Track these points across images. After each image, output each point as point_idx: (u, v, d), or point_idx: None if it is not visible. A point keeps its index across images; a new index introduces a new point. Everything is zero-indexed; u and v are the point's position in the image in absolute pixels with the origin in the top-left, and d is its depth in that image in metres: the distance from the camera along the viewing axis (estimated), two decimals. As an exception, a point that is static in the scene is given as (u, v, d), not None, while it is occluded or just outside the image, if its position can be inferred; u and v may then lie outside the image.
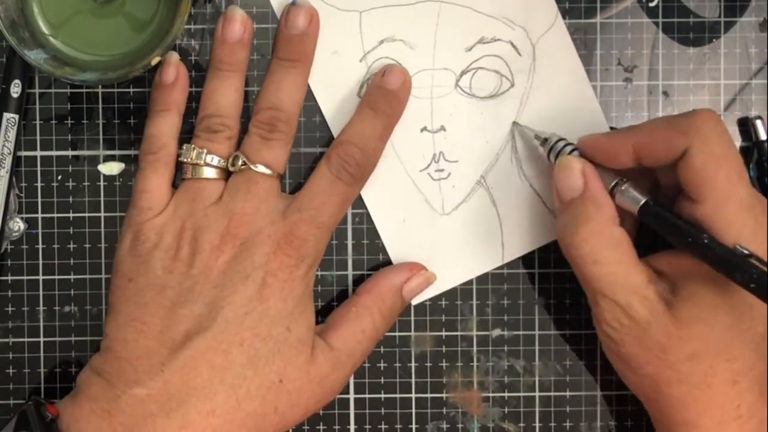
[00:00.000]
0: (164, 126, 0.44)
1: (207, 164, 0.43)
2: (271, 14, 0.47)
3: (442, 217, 0.47)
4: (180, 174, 0.45)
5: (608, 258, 0.40)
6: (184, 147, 0.44)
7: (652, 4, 0.47)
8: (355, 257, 0.47)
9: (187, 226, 0.43)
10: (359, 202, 0.47)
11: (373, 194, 0.47)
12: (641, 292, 0.40)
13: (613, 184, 0.42)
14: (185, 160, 0.44)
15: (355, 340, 0.44)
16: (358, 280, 0.47)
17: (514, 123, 0.47)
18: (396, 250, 0.47)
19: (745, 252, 0.38)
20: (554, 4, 0.47)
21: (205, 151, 0.43)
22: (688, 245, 0.39)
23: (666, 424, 0.41)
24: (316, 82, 0.46)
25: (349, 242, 0.47)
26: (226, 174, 0.44)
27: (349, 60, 0.47)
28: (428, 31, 0.46)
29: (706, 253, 0.38)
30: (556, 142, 0.44)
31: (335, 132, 0.47)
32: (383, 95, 0.45)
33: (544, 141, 0.45)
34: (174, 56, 0.45)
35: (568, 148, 0.44)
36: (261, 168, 0.43)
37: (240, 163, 0.43)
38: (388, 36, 0.47)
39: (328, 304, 0.47)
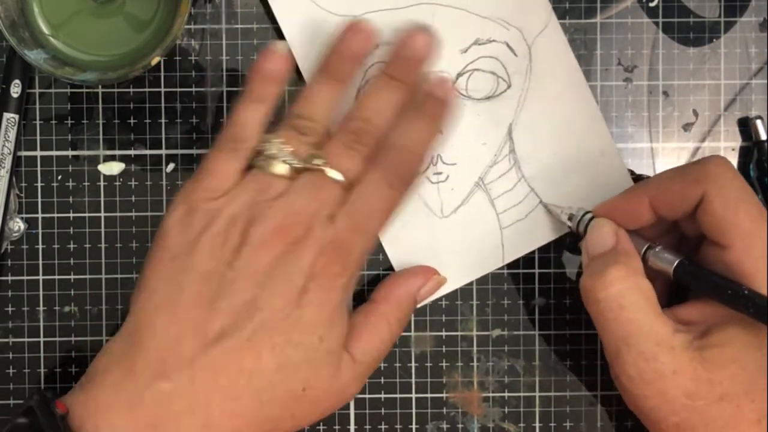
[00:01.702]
0: (254, 116, 0.43)
1: (283, 161, 0.42)
2: (270, 14, 0.47)
3: (442, 220, 0.47)
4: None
5: (635, 304, 0.40)
6: (267, 140, 0.43)
7: (652, 4, 0.47)
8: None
9: (243, 216, 0.41)
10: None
11: None
12: (668, 342, 0.40)
13: (645, 248, 0.42)
14: (264, 151, 0.42)
15: (377, 351, 0.44)
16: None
17: (541, 202, 0.47)
18: (397, 256, 0.47)
19: None
20: (548, 4, 0.47)
21: (285, 149, 0.42)
22: (728, 298, 0.39)
23: None
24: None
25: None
26: (296, 173, 0.43)
27: None
28: None
29: (747, 304, 0.38)
30: (583, 215, 0.44)
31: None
32: (440, 105, 0.44)
33: (571, 216, 0.45)
34: (282, 45, 0.44)
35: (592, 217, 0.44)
36: (334, 173, 0.42)
37: (317, 162, 0.42)
38: (384, 39, 0.47)
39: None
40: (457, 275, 0.47)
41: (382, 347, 0.44)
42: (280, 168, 0.42)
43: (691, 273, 0.41)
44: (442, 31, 0.46)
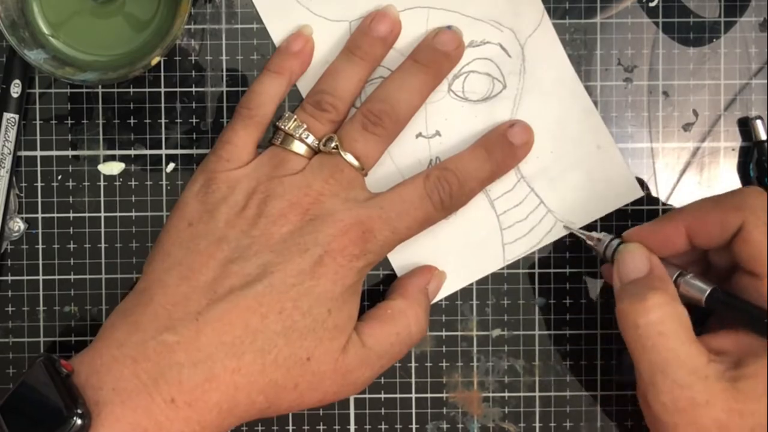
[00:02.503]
0: (270, 87, 0.44)
1: (300, 139, 0.43)
2: (271, 14, 0.47)
3: (442, 223, 0.47)
4: (269, 136, 0.45)
5: (674, 331, 0.40)
6: (286, 114, 0.44)
7: (652, 4, 0.47)
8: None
9: (261, 189, 0.43)
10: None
11: None
12: (702, 371, 0.39)
13: (676, 274, 0.42)
14: (282, 126, 0.44)
15: (388, 342, 0.44)
16: None
17: (565, 226, 0.47)
18: (398, 259, 0.47)
19: None
20: (540, 4, 0.47)
21: (305, 126, 0.43)
22: (763, 329, 0.39)
23: None
24: (306, 90, 0.46)
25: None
26: (315, 153, 0.44)
27: None
28: (418, 37, 0.46)
29: None
30: (610, 240, 0.44)
31: None
32: (502, 145, 0.45)
33: (598, 241, 0.45)
34: (308, 29, 0.45)
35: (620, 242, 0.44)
36: (349, 157, 0.43)
37: (332, 145, 0.43)
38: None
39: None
40: (458, 277, 0.47)
41: (395, 340, 0.44)
42: (297, 146, 0.43)
43: (724, 301, 0.41)
44: None
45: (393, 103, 0.44)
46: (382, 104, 0.44)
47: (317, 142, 0.43)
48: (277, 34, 0.47)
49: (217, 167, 0.43)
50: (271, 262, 0.41)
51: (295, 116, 0.44)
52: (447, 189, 0.44)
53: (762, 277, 0.40)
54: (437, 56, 0.45)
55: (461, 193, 0.44)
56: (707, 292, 0.41)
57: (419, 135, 0.47)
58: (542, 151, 0.47)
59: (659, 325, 0.39)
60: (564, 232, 0.47)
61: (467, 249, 0.47)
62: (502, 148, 0.45)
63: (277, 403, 0.41)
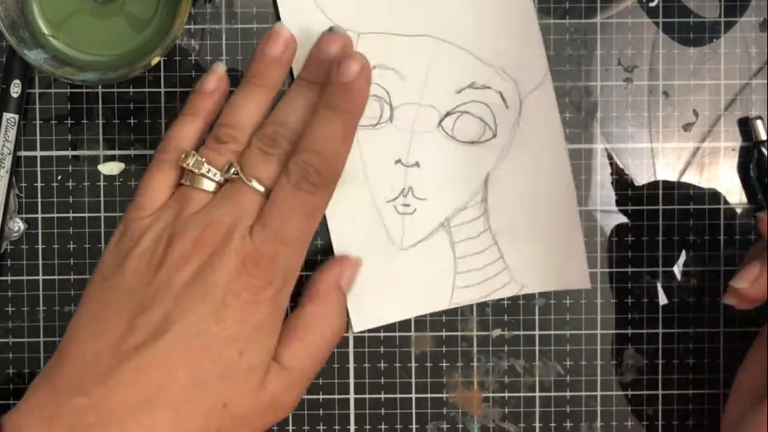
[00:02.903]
0: (187, 130, 0.44)
1: (204, 175, 0.43)
2: (271, 14, 0.47)
3: (399, 251, 0.47)
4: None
5: None
6: (186, 152, 0.43)
7: (652, 4, 0.47)
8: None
9: (167, 232, 0.42)
10: (323, 232, 0.47)
11: (336, 215, 0.47)
12: None
13: None
14: (183, 164, 0.43)
15: (308, 357, 0.43)
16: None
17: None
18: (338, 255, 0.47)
19: None
20: (545, 63, 0.46)
21: (204, 160, 0.43)
22: None
23: None
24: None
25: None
26: (220, 187, 0.43)
27: None
28: (421, 65, 0.46)
29: None
30: None
31: None
32: (340, 91, 0.43)
33: None
34: (220, 67, 0.45)
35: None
36: (253, 183, 0.42)
37: (233, 171, 0.42)
38: (381, 63, 0.46)
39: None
40: (402, 307, 0.47)
41: (315, 352, 0.43)
42: (205, 183, 0.43)
43: None
44: (441, 68, 0.46)
45: (283, 123, 0.43)
46: (274, 126, 0.43)
47: (220, 176, 0.43)
48: (285, 12, 0.46)
49: (132, 216, 0.43)
50: (172, 312, 0.40)
51: (194, 153, 0.43)
52: (311, 169, 0.42)
53: None
54: (323, 68, 0.44)
55: (327, 163, 0.42)
56: None
57: (398, 161, 0.47)
58: (515, 208, 0.47)
59: None
60: (515, 292, 0.47)
61: (417, 282, 0.47)
62: (341, 96, 0.43)
63: None
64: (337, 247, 0.47)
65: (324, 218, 0.47)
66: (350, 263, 0.46)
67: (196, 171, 0.43)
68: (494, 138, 0.47)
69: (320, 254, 0.47)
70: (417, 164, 0.47)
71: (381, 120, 0.47)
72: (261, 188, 0.42)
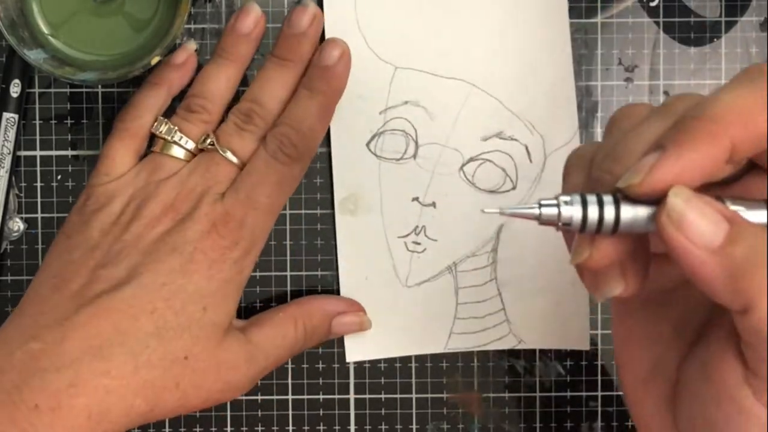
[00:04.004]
0: (147, 98, 0.44)
1: (175, 142, 0.43)
2: (271, 14, 0.47)
3: (403, 289, 0.47)
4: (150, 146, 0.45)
5: None
6: (158, 120, 0.44)
7: (653, 4, 0.47)
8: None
9: (137, 195, 0.43)
10: (325, 232, 0.47)
11: (347, 241, 0.47)
12: None
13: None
14: (155, 132, 0.44)
15: (275, 344, 0.44)
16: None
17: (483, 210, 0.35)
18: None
19: None
20: (576, 123, 0.46)
21: (176, 128, 0.44)
22: None
23: None
24: (334, 119, 0.46)
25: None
26: (192, 155, 0.44)
27: (370, 108, 0.47)
28: (453, 108, 0.46)
29: None
30: (582, 196, 0.28)
31: (336, 170, 0.47)
32: (319, 73, 0.44)
33: (566, 204, 0.28)
34: (191, 44, 0.45)
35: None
36: (228, 153, 0.43)
37: (209, 142, 0.43)
38: (414, 99, 0.46)
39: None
40: (397, 345, 0.47)
41: (281, 343, 0.44)
42: (176, 151, 0.44)
43: None
44: (471, 113, 0.46)
45: (260, 101, 0.44)
46: (250, 104, 0.44)
47: (194, 144, 0.44)
48: (328, 33, 0.46)
49: (96, 182, 0.43)
50: (140, 263, 0.41)
51: (167, 120, 0.44)
52: (287, 141, 0.43)
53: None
54: (293, 43, 0.45)
55: (303, 138, 0.44)
56: None
57: (415, 199, 0.47)
58: (524, 262, 0.47)
59: None
60: (512, 345, 0.47)
61: (416, 322, 0.47)
62: (320, 78, 0.44)
63: (160, 405, 0.41)
64: (342, 275, 0.47)
65: (333, 237, 0.47)
66: (358, 314, 0.46)
67: (168, 138, 0.44)
68: (513, 190, 0.47)
69: (321, 254, 0.47)
70: (433, 204, 0.47)
71: (405, 155, 0.47)
72: (235, 159, 0.43)
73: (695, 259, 0.27)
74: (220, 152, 0.43)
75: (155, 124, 0.44)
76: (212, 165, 0.43)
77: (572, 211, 0.28)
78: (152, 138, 0.45)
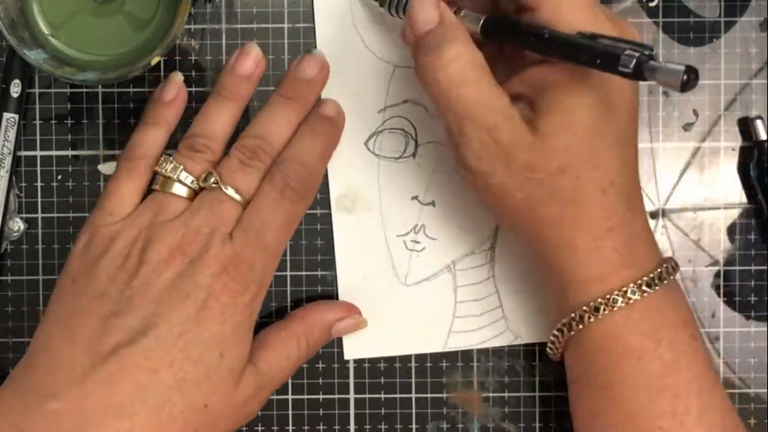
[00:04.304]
0: (149, 137, 0.44)
1: (179, 181, 0.43)
2: (271, 14, 0.47)
3: (402, 287, 0.47)
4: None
5: (476, 78, 0.39)
6: (162, 158, 0.43)
7: (652, 4, 0.47)
8: (294, 259, 0.47)
9: (141, 237, 0.42)
10: (325, 232, 0.47)
11: (345, 239, 0.47)
12: (506, 111, 0.39)
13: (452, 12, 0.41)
14: (159, 170, 0.43)
15: (281, 366, 0.44)
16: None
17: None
18: (347, 301, 0.47)
19: (587, 34, 0.37)
20: None
21: (181, 167, 0.43)
22: (532, 45, 0.38)
23: (542, 248, 0.40)
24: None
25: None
26: (196, 195, 0.44)
27: (369, 106, 0.47)
28: None
29: (549, 45, 0.37)
30: None
31: (332, 168, 0.47)
32: (322, 120, 0.45)
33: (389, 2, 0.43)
34: (178, 76, 0.45)
35: None
36: (231, 191, 0.43)
37: (212, 180, 0.43)
38: (413, 98, 0.47)
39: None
40: (396, 344, 0.47)
41: (287, 364, 0.44)
42: (178, 188, 0.43)
43: (496, 23, 0.40)
44: None
45: (265, 137, 0.44)
46: (256, 140, 0.44)
47: (196, 183, 0.43)
48: (323, 34, 0.47)
49: (100, 221, 0.43)
50: (154, 313, 0.40)
51: (172, 158, 0.43)
52: (295, 176, 0.43)
53: (536, 9, 0.39)
54: (300, 86, 0.45)
55: (309, 174, 0.44)
56: (482, 19, 0.40)
57: (415, 198, 0.47)
58: (521, 259, 0.47)
59: (460, 75, 0.39)
60: (509, 342, 0.47)
61: (415, 321, 0.47)
62: (323, 125, 0.45)
63: None
64: (341, 275, 0.47)
65: (330, 236, 0.47)
66: (354, 317, 0.46)
67: (173, 176, 0.43)
68: None
69: (321, 254, 0.47)
70: (433, 203, 0.47)
71: (404, 154, 0.47)
72: (239, 197, 0.43)
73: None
74: (224, 190, 0.42)
75: (161, 163, 0.43)
76: (216, 204, 0.42)
77: None
78: (153, 176, 0.44)
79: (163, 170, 0.43)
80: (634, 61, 0.34)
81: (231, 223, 0.42)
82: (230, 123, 0.45)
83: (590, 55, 0.36)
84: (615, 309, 0.39)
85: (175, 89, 0.45)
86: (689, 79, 0.33)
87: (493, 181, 0.39)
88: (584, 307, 0.40)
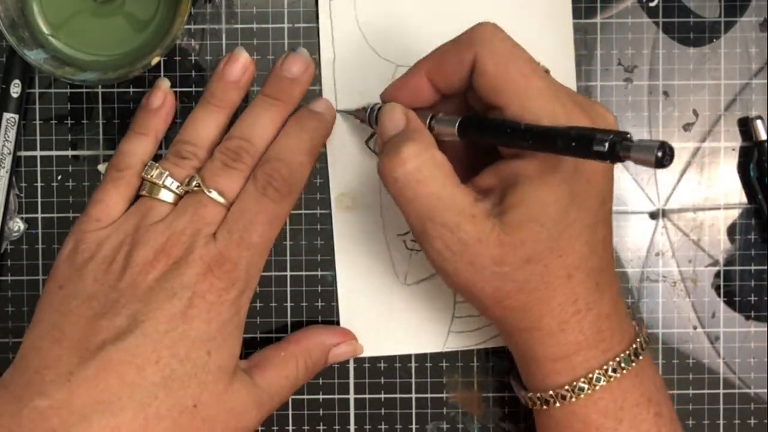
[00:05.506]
0: (137, 147, 0.44)
1: (165, 186, 0.43)
2: (271, 14, 0.47)
3: (402, 287, 0.47)
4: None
5: (432, 177, 0.39)
6: (149, 164, 0.44)
7: (652, 4, 0.47)
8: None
9: (127, 241, 0.42)
10: (325, 232, 0.47)
11: (345, 237, 0.47)
12: (469, 211, 0.39)
13: (429, 119, 0.41)
14: (146, 176, 0.43)
15: (279, 385, 0.44)
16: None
17: (338, 111, 0.47)
18: (347, 302, 0.47)
19: (562, 126, 0.37)
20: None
21: (167, 173, 0.43)
22: (508, 138, 0.38)
23: (511, 333, 0.41)
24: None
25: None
26: (180, 198, 0.44)
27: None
28: None
29: (524, 137, 0.37)
30: (374, 105, 0.44)
31: (332, 167, 0.47)
32: (309, 116, 0.45)
33: (363, 111, 0.45)
34: (165, 83, 0.45)
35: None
36: (213, 194, 0.43)
37: (194, 184, 0.43)
38: None
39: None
40: (395, 343, 0.47)
41: (285, 383, 0.44)
42: (164, 194, 0.43)
43: (472, 123, 0.40)
44: None
45: (249, 138, 0.44)
46: (239, 141, 0.44)
47: (181, 187, 0.43)
48: (325, 32, 0.47)
49: (87, 227, 0.43)
50: (140, 312, 0.40)
51: (158, 165, 0.44)
52: (278, 175, 0.43)
53: (504, 108, 0.39)
54: (284, 86, 0.45)
55: (293, 172, 0.43)
56: (458, 122, 0.40)
57: None
58: None
59: (416, 174, 0.39)
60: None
61: (414, 321, 0.47)
62: (310, 120, 0.45)
63: None
64: (340, 274, 0.47)
65: (330, 236, 0.47)
66: (351, 343, 0.47)
67: (159, 182, 0.43)
68: None
69: (321, 254, 0.47)
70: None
71: None
72: (222, 200, 0.43)
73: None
74: (206, 193, 0.43)
75: (147, 169, 0.44)
76: (200, 207, 0.43)
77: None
78: (141, 181, 0.44)
79: (149, 176, 0.43)
80: (608, 141, 0.34)
81: (214, 224, 0.43)
82: (218, 130, 0.45)
83: (565, 140, 0.36)
84: (581, 396, 0.40)
85: (161, 96, 0.45)
86: (664, 155, 0.33)
87: (460, 279, 0.40)
88: (551, 392, 0.40)
